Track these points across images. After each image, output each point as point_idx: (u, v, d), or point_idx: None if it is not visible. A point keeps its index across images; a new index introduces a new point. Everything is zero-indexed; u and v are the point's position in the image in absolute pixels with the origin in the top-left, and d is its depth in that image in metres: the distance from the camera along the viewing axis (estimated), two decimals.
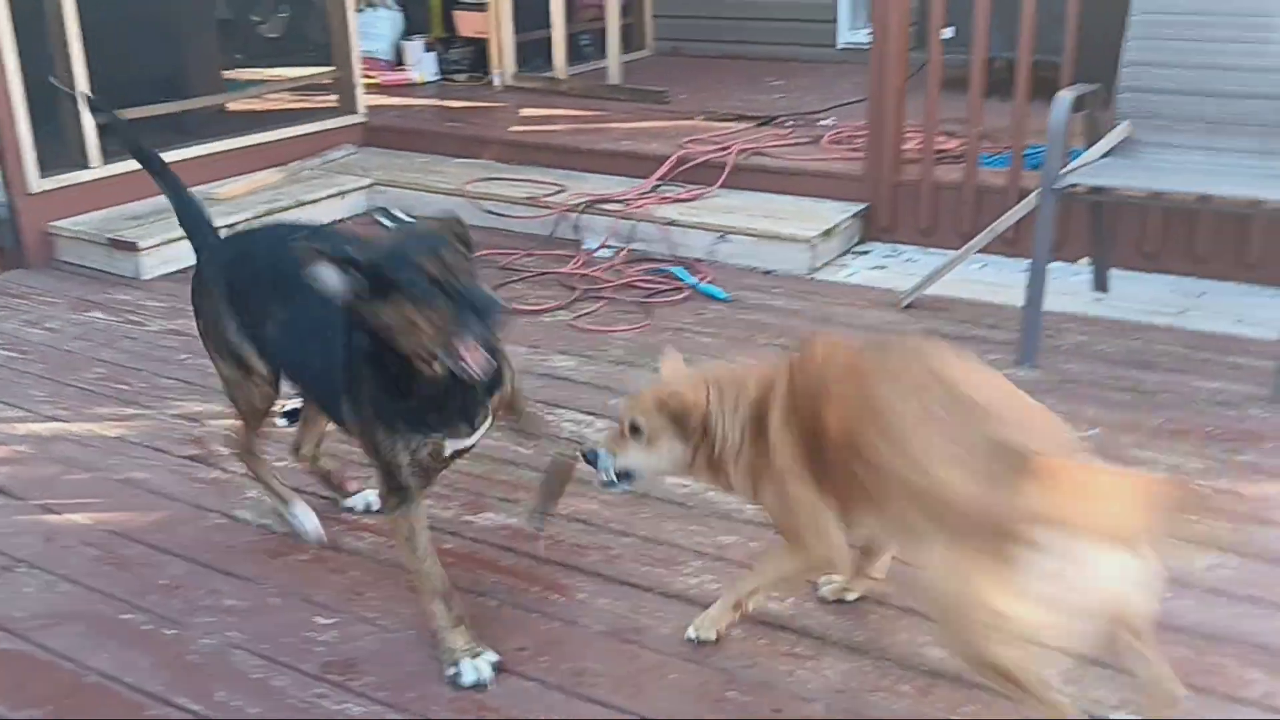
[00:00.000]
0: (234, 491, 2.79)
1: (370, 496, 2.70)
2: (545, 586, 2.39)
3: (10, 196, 4.45)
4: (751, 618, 2.25)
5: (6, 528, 2.65)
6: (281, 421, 3.14)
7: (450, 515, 2.66)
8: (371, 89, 6.31)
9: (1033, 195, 3.50)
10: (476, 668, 2.11)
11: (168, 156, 5.00)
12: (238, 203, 4.81)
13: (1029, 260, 3.41)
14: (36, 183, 4.50)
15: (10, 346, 3.74)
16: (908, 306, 3.88)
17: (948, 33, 4.55)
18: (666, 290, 4.12)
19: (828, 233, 4.37)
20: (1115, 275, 3.93)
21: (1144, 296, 3.87)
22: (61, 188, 4.59)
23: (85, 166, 4.67)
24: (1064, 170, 3.31)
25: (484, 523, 2.63)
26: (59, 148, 4.61)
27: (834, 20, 7.38)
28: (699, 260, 4.40)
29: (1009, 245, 4.05)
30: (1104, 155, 3.46)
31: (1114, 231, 3.93)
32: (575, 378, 3.41)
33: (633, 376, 3.39)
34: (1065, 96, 3.39)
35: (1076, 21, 3.99)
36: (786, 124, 5.52)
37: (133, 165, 4.66)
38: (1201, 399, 3.15)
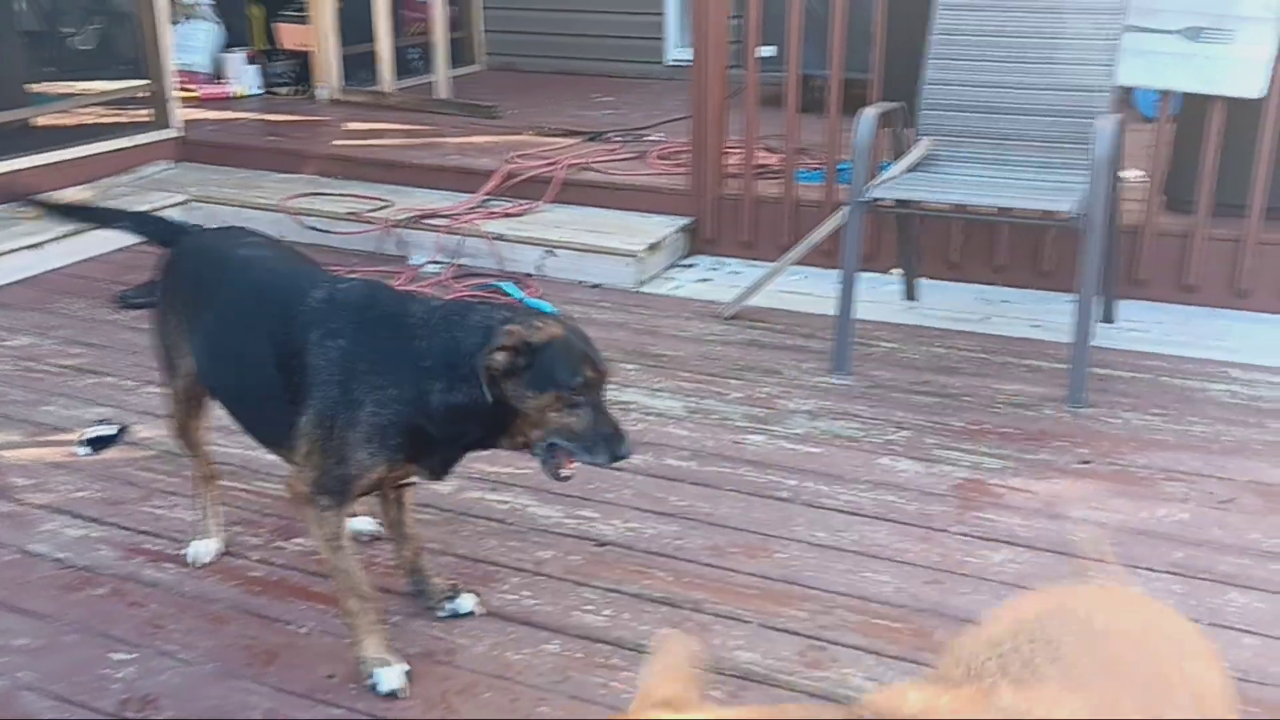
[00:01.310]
0: (29, 525, 2.65)
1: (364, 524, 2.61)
2: None
3: None
4: (567, 630, 2.26)
5: None
6: (83, 450, 3.01)
7: (259, 541, 2.59)
8: (189, 103, 6.12)
9: (842, 207, 3.63)
10: (391, 677, 2.10)
11: None
12: (41, 223, 4.58)
13: (840, 270, 3.52)
14: None
15: None
16: (730, 318, 3.97)
17: (769, 51, 4.68)
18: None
19: (654, 247, 4.44)
20: (923, 285, 4.10)
21: (949, 305, 4.05)
22: None
23: None
24: (869, 185, 3.44)
25: (294, 548, 2.56)
26: None
27: (661, 38, 7.50)
28: (527, 275, 4.40)
29: (826, 257, 4.18)
30: (908, 170, 3.61)
31: (921, 243, 4.11)
32: None
33: None
34: (869, 113, 3.53)
35: (882, 41, 4.16)
36: (614, 140, 5.58)
37: None
38: (1001, 401, 3.31)
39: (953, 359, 3.62)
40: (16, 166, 4.86)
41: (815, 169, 4.69)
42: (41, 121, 5.52)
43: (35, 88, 5.78)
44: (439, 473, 2.15)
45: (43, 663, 2.18)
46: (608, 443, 2.00)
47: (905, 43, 4.15)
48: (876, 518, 2.70)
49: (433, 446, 2.07)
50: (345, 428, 2.01)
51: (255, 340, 2.12)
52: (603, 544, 2.60)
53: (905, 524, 2.68)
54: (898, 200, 3.65)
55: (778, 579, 2.46)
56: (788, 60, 4.34)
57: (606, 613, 2.35)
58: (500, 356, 1.94)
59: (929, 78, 3.69)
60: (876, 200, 3.45)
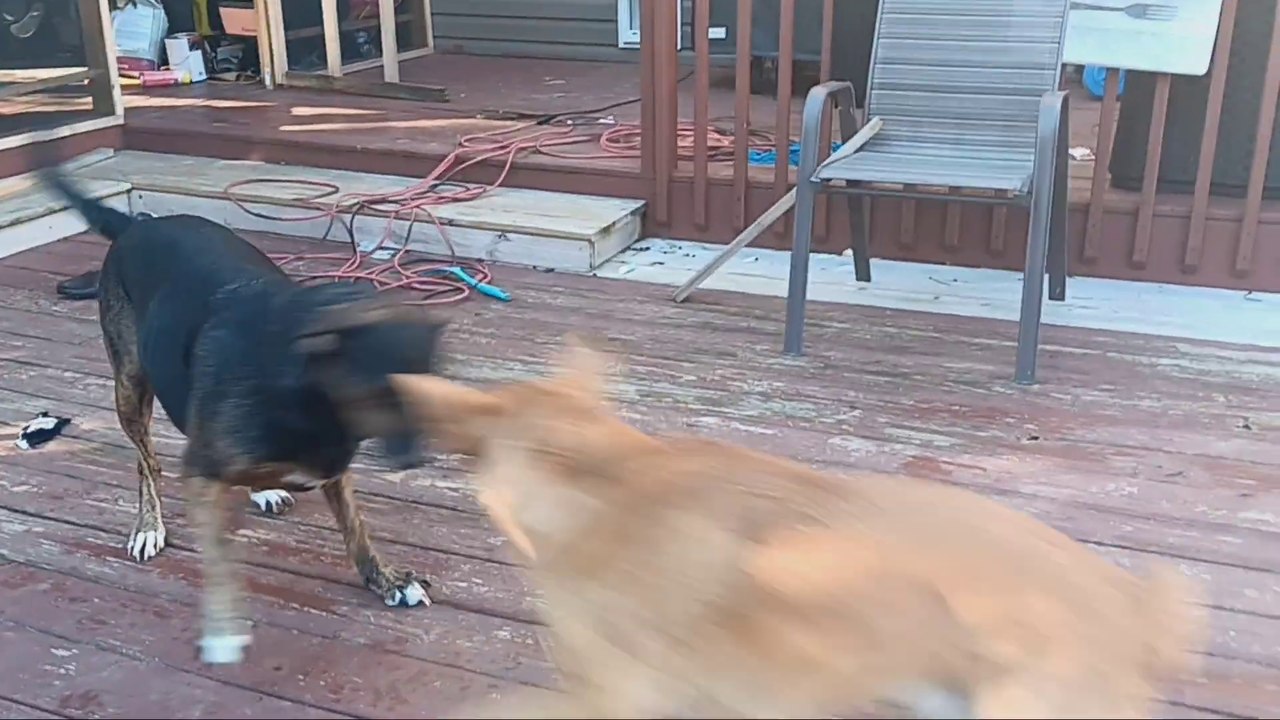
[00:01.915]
0: None
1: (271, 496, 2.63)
2: (305, 602, 2.32)
3: None
4: (519, 616, 2.24)
5: None
6: (23, 444, 2.95)
7: None
8: (132, 90, 6.00)
9: (793, 189, 3.62)
10: (219, 650, 2.08)
11: None
12: None
13: (791, 252, 3.52)
14: None
15: None
16: (683, 301, 3.95)
17: (718, 33, 4.66)
18: (446, 291, 4.07)
19: (606, 230, 4.41)
20: (875, 265, 4.10)
21: (901, 285, 4.06)
22: None
23: None
24: (820, 165, 3.43)
25: (241, 539, 2.52)
26: None
27: (614, 20, 7.45)
28: (479, 260, 4.36)
29: (779, 239, 4.18)
30: (858, 150, 3.61)
31: (872, 223, 4.11)
32: None
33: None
34: (819, 93, 3.53)
35: (831, 21, 4.16)
36: (566, 123, 5.54)
37: None
38: (951, 379, 3.33)
39: (904, 338, 3.63)
40: None
41: (767, 151, 4.68)
42: None
43: None
44: (328, 471, 2.12)
45: None
46: (402, 447, 1.89)
47: (856, 23, 4.15)
48: None
49: (307, 442, 2.02)
50: (209, 418, 2.00)
51: (176, 329, 2.12)
52: None
53: None
54: (848, 180, 3.64)
55: None
56: (737, 42, 4.32)
57: None
58: (313, 341, 1.86)
59: (878, 57, 3.68)
60: (827, 181, 3.44)
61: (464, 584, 2.38)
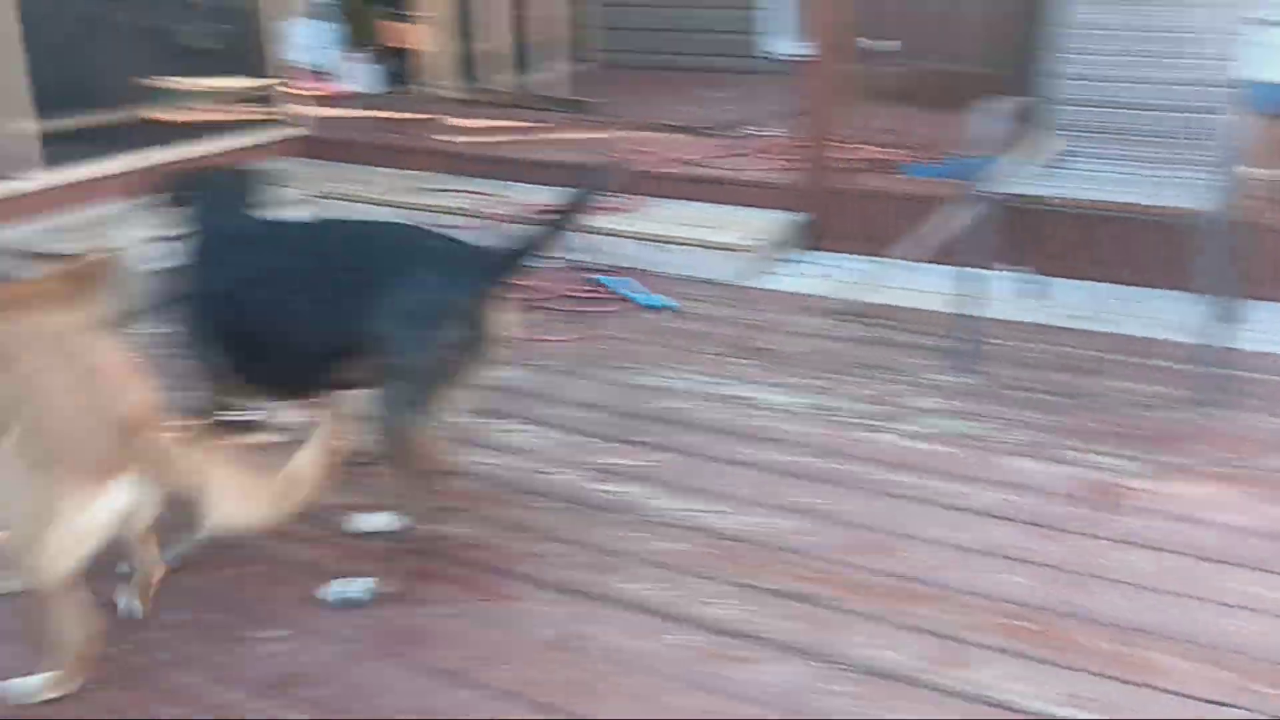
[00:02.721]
0: None
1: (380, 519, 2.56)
2: (489, 595, 2.39)
3: None
4: (693, 621, 2.26)
5: None
6: None
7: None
8: (307, 100, 6.27)
9: (964, 203, 3.57)
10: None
11: (98, 169, 4.99)
12: None
13: (962, 267, 3.48)
14: None
15: None
16: (845, 313, 3.93)
17: (881, 45, 4.64)
18: (604, 299, 4.14)
19: (764, 241, 4.42)
20: (1047, 282, 4.01)
21: (1074, 302, 3.96)
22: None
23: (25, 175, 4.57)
24: (994, 179, 3.38)
25: (425, 530, 2.60)
26: None
27: (763, 32, 7.47)
28: (636, 270, 4.42)
29: (943, 252, 4.12)
30: (1032, 165, 3.54)
31: (1045, 240, 4.03)
32: (516, 387, 3.40)
33: (573, 385, 3.40)
34: (993, 107, 3.47)
35: (1003, 35, 4.09)
36: (721, 134, 5.57)
37: (69, 176, 4.63)
38: (1129, 402, 3.23)
39: (1078, 358, 3.54)
40: (142, 163, 5.02)
41: (930, 163, 4.63)
42: (165, 119, 5.70)
43: (164, 85, 5.98)
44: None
45: (190, 640, 2.25)
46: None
47: (1026, 36, 4.08)
48: (1005, 518, 2.66)
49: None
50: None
51: None
52: (724, 537, 2.60)
53: (1035, 525, 2.63)
54: (1022, 195, 3.58)
55: (908, 577, 2.44)
56: (902, 53, 4.29)
57: (732, 604, 2.34)
58: None
59: (1054, 71, 3.61)
60: (1002, 195, 3.39)
61: (634, 586, 2.41)
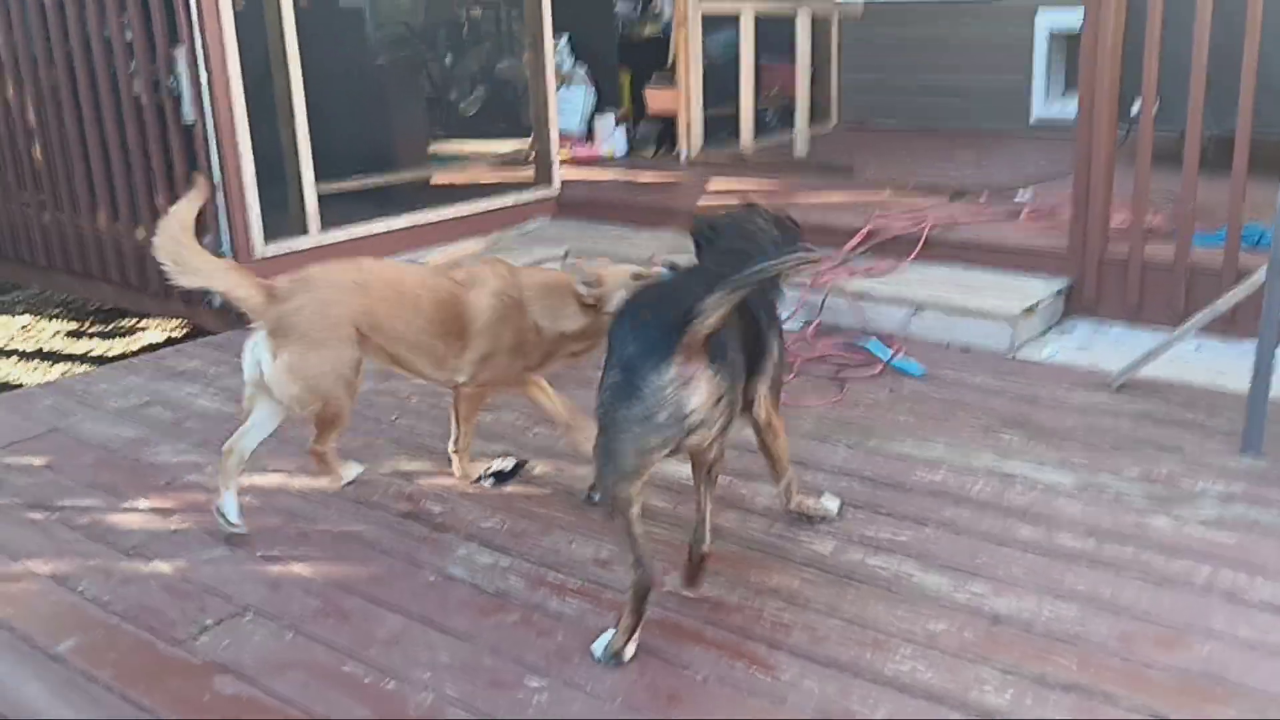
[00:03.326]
0: (446, 549, 2.88)
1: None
2: (750, 662, 2.37)
3: (236, 261, 4.76)
4: (969, 706, 2.17)
5: (234, 576, 2.79)
6: (488, 483, 3.24)
7: None
8: (564, 162, 6.54)
9: (1259, 273, 3.34)
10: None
11: (380, 226, 5.34)
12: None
13: (1248, 342, 3.25)
14: (261, 248, 4.81)
15: (234, 403, 3.97)
16: (1119, 388, 3.73)
17: (1139, 106, 4.42)
18: (859, 364, 4.09)
19: (1029, 309, 4.26)
20: None
21: None
22: (283, 254, 4.88)
23: (304, 234, 4.96)
24: None
25: (688, 594, 2.62)
26: (281, 216, 4.92)
27: (1028, 95, 7.27)
28: (891, 335, 4.35)
29: (1227, 327, 3.87)
30: None
31: None
32: None
33: (827, 450, 3.37)
34: None
35: None
36: (980, 198, 5.44)
37: (347, 234, 5.02)
38: None
39: None
40: (420, 220, 5.36)
41: (1211, 232, 4.36)
42: (439, 179, 6.08)
43: (434, 149, 6.40)
44: None
45: (464, 681, 2.34)
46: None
47: None
48: None
49: None
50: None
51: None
52: (997, 621, 2.49)
53: None
54: None
55: (1198, 674, 2.27)
56: (1173, 116, 4.07)
57: (1008, 694, 2.24)
58: None
59: None
60: None
61: (906, 666, 2.34)
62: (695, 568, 2.58)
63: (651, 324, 2.23)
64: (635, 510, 2.28)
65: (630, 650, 2.36)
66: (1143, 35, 4.07)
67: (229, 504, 2.93)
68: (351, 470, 3.12)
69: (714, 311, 2.12)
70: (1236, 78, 3.88)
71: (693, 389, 2.18)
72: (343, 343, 2.83)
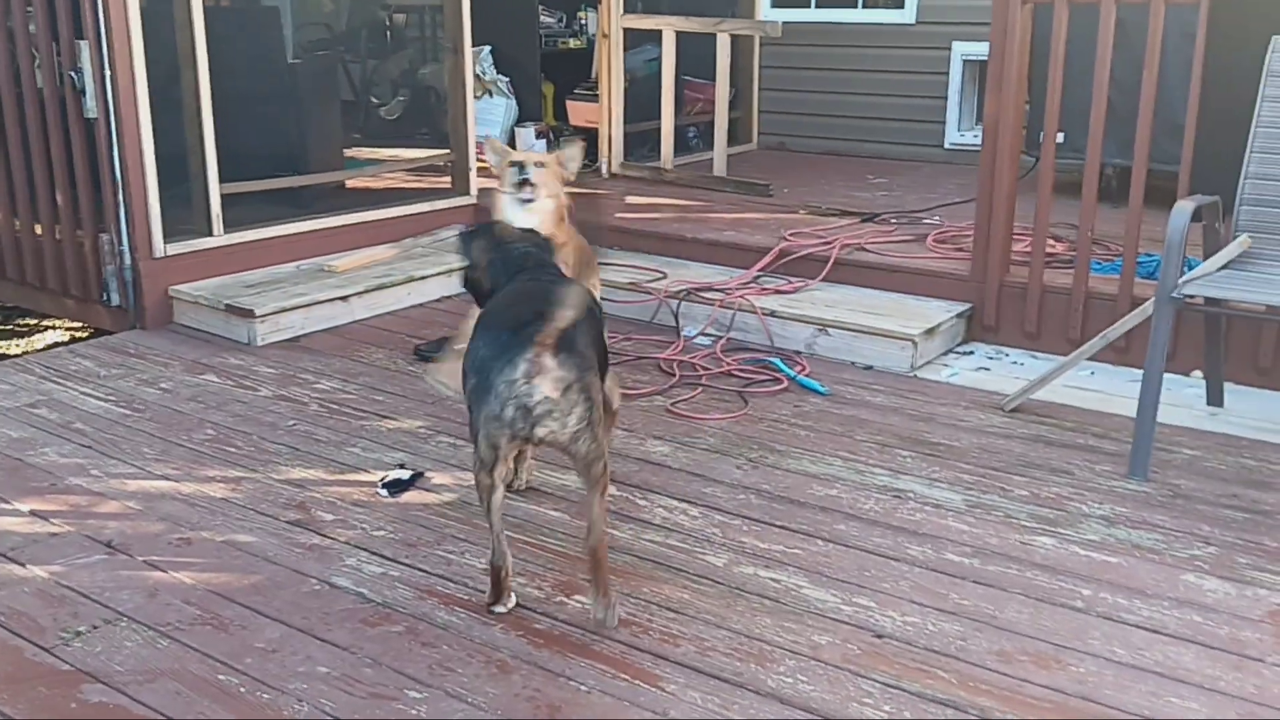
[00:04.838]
0: (333, 559, 2.83)
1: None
2: (636, 674, 2.36)
3: (135, 260, 4.65)
4: (839, 718, 2.19)
5: (110, 582, 2.71)
6: (382, 492, 3.19)
7: (542, 595, 2.66)
8: (482, 172, 6.50)
9: (1148, 303, 3.44)
10: None
11: (288, 229, 5.26)
12: (350, 275, 4.96)
13: (1138, 369, 3.34)
14: (161, 247, 4.69)
15: (125, 404, 3.87)
16: (1013, 410, 3.81)
17: (1058, 137, 4.54)
18: (764, 380, 4.12)
19: (930, 331, 4.33)
20: (1229, 390, 3.81)
21: (1259, 413, 3.74)
22: (184, 254, 4.77)
23: (208, 234, 4.86)
24: (1182, 280, 3.24)
25: (574, 605, 2.61)
26: (184, 215, 4.81)
27: (942, 121, 7.41)
28: (797, 353, 4.39)
29: (1118, 353, 3.98)
30: (1221, 267, 3.39)
31: (1229, 345, 3.83)
32: (669, 464, 3.40)
33: (726, 465, 3.38)
34: (1185, 206, 3.34)
35: (1194, 133, 3.94)
36: (890, 221, 5.52)
37: (253, 235, 4.93)
38: None
39: (1264, 472, 3.33)
40: (332, 224, 5.29)
41: (1108, 261, 4.49)
42: (353, 184, 6.00)
43: (350, 153, 6.32)
44: None
45: (342, 693, 2.30)
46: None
47: (1214, 136, 3.94)
48: (1182, 639, 2.50)
49: None
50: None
51: None
52: (880, 635, 2.51)
53: (1215, 649, 2.46)
54: (1207, 298, 3.43)
55: (1073, 694, 2.31)
56: (1077, 146, 4.18)
57: (886, 708, 2.26)
58: None
59: (1250, 172, 3.46)
60: (1189, 297, 3.25)
61: (789, 680, 2.35)
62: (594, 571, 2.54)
63: (503, 326, 2.41)
64: (496, 496, 2.45)
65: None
66: (1048, 67, 4.18)
67: None
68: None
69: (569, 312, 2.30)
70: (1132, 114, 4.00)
71: (539, 380, 2.31)
72: None
